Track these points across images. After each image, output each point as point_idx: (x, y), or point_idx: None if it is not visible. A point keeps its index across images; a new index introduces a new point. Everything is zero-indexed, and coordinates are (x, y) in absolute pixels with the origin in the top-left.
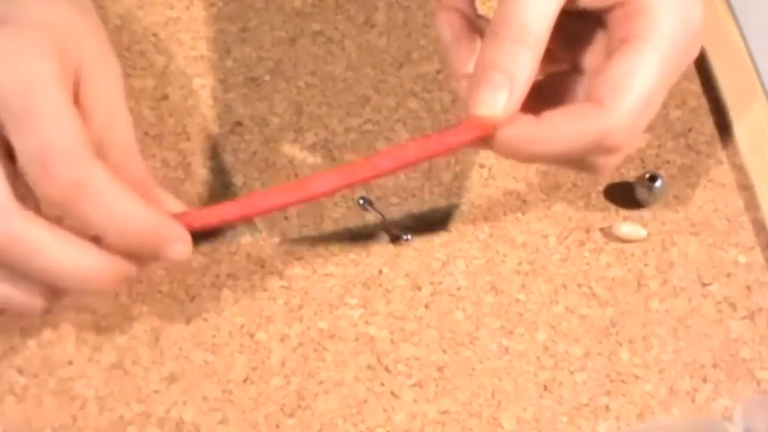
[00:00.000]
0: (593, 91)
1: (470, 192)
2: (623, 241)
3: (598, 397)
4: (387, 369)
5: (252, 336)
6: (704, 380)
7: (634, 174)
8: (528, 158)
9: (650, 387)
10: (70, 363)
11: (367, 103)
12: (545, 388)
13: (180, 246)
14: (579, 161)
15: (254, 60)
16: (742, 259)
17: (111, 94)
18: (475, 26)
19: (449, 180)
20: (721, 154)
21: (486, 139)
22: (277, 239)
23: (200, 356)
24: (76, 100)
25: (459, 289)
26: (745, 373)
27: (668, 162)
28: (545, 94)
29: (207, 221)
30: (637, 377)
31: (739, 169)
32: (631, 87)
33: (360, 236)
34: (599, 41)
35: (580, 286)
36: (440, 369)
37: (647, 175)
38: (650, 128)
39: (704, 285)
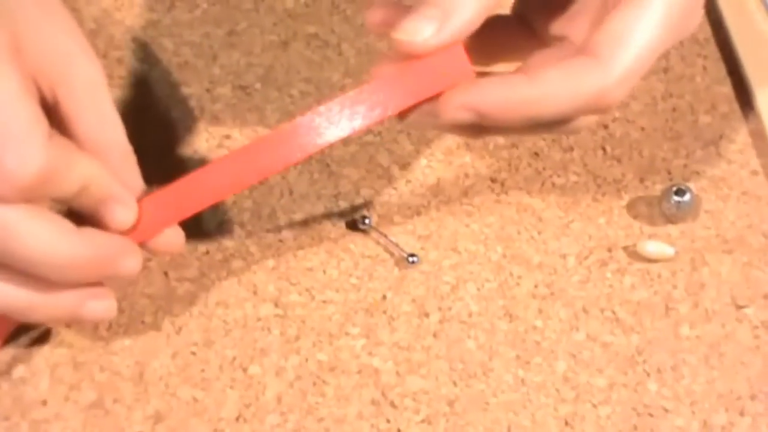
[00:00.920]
0: (589, 45)
1: (481, 209)
2: (649, 260)
3: None
4: (393, 404)
5: (245, 370)
6: (741, 413)
7: (660, 187)
8: (519, 122)
9: (681, 421)
10: (44, 403)
11: None
12: (566, 423)
13: (130, 261)
14: (561, 124)
15: (243, 66)
16: None
17: (96, 95)
18: None
19: (458, 196)
20: (756, 164)
21: (475, 110)
22: (270, 263)
23: (188, 393)
24: (52, 104)
25: (470, 315)
26: None
27: (698, 173)
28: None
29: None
30: (666, 410)
31: None
32: (633, 39)
33: (361, 259)
34: (587, 10)
35: (602, 310)
36: (451, 403)
37: (674, 188)
38: (677, 136)
39: (739, 308)
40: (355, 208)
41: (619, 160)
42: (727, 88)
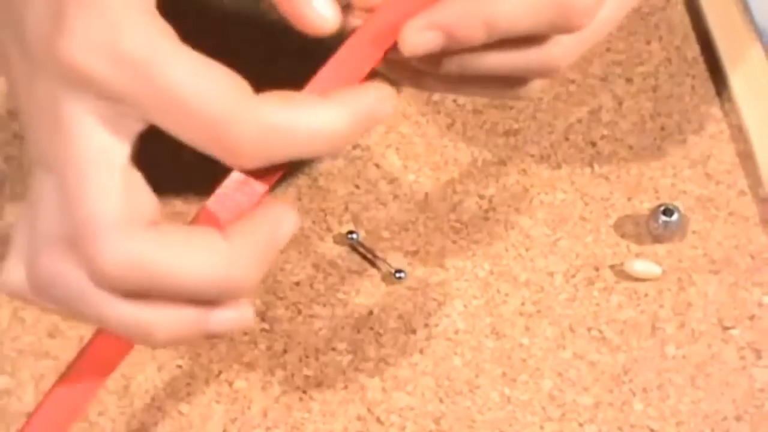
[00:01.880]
0: None
1: (468, 225)
2: (636, 279)
3: None
4: (379, 420)
5: (231, 384)
6: None
7: (648, 206)
8: (483, 35)
9: None
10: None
11: None
12: None
13: (288, 225)
14: (538, 49)
15: (245, 45)
16: (766, 300)
17: None
18: None
19: (446, 212)
20: (743, 184)
21: (438, 26)
22: None
23: (174, 407)
24: None
25: (457, 332)
26: None
27: (685, 192)
28: None
29: None
30: (652, 430)
31: (763, 202)
32: None
33: (348, 274)
34: None
35: (589, 329)
36: (437, 420)
37: (662, 208)
38: (665, 155)
39: (725, 329)
40: (342, 223)
41: (606, 179)
42: (715, 109)
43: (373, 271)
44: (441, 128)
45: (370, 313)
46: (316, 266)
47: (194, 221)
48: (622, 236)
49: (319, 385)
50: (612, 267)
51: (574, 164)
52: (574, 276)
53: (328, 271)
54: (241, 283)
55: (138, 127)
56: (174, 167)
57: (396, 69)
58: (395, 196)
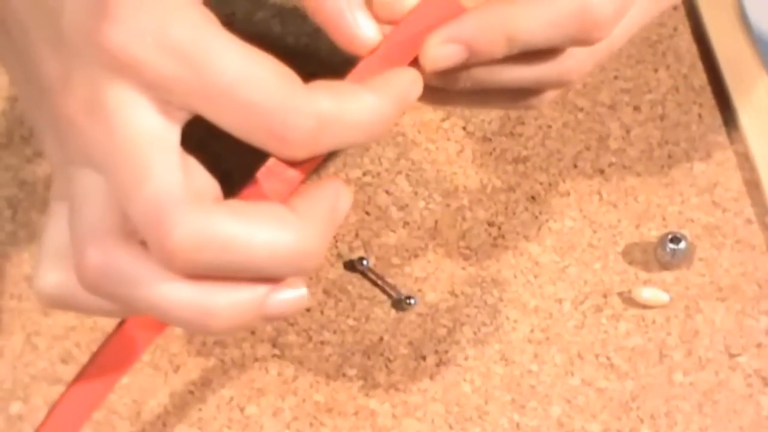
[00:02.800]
0: None
1: (478, 252)
2: (644, 307)
3: None
4: None
5: (242, 410)
6: None
7: (656, 234)
8: (503, 48)
9: None
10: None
11: (366, 153)
12: None
13: (345, 200)
14: (554, 62)
15: None
16: None
17: None
18: None
19: (455, 239)
20: (750, 212)
21: (458, 40)
22: None
23: None
24: None
25: (466, 358)
26: None
27: (692, 220)
28: None
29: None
30: None
31: None
32: None
33: (359, 300)
34: None
35: (597, 356)
36: None
37: (670, 236)
38: (672, 183)
39: (732, 356)
40: (352, 249)
41: (615, 206)
42: (722, 137)
43: (383, 297)
44: (450, 155)
45: (380, 339)
46: (326, 292)
47: (242, 195)
48: (630, 263)
49: (329, 410)
50: (620, 294)
51: (583, 191)
52: (582, 303)
53: (338, 297)
54: (311, 258)
55: (184, 116)
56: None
57: None
58: (405, 223)
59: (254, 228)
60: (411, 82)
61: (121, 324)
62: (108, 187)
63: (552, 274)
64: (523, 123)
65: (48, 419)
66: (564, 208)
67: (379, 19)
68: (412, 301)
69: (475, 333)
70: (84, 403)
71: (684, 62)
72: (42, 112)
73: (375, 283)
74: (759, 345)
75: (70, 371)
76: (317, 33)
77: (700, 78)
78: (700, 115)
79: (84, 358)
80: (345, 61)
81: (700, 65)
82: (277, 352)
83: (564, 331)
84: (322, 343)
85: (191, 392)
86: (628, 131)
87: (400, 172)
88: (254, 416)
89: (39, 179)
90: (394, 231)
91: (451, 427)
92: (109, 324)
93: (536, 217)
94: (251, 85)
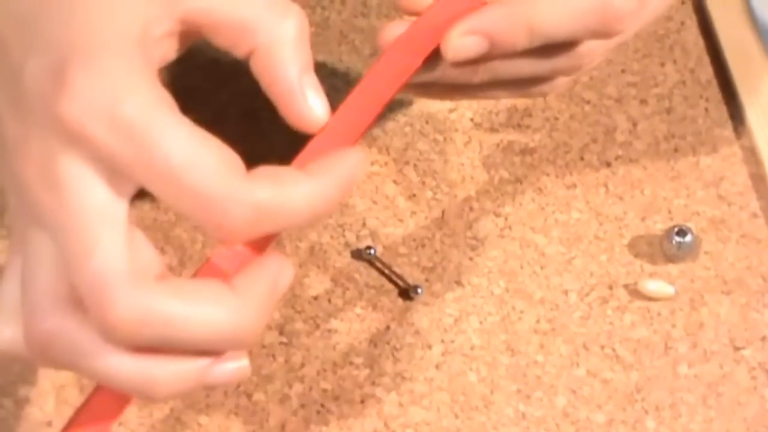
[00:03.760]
0: None
1: (485, 243)
2: (649, 299)
3: None
4: None
5: (249, 396)
6: None
7: (662, 227)
8: (525, 40)
9: None
10: (50, 424)
11: (374, 143)
12: None
13: (286, 277)
14: (572, 53)
15: (251, 93)
16: None
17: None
18: None
19: (462, 229)
20: (756, 206)
21: (480, 31)
22: None
23: (193, 418)
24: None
25: (472, 348)
26: None
27: (698, 214)
28: None
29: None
30: None
31: None
32: None
33: (366, 289)
34: None
35: (602, 347)
36: None
37: (676, 229)
38: (679, 176)
39: (737, 349)
40: (360, 238)
41: (621, 198)
42: (728, 131)
43: (390, 286)
44: (458, 146)
45: (387, 328)
46: (334, 281)
47: (199, 273)
48: (636, 256)
49: (336, 398)
50: (626, 286)
51: (589, 184)
52: (588, 294)
53: (346, 286)
54: (248, 334)
55: (133, 190)
56: None
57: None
58: (413, 213)
59: (192, 306)
60: (355, 165)
61: None
62: (57, 253)
63: (558, 266)
64: (530, 115)
65: None
66: (570, 200)
67: (402, 11)
68: (419, 290)
69: (481, 323)
70: None
71: (691, 56)
72: (4, 166)
73: (382, 272)
74: (764, 338)
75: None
76: None
77: (707, 72)
78: (706, 109)
79: None
80: (352, 49)
81: (706, 59)
82: (284, 339)
83: (570, 322)
84: (329, 331)
85: None
86: (634, 124)
87: (407, 163)
88: (261, 403)
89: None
90: (401, 220)
91: (456, 416)
92: None
93: (543, 209)
94: (194, 172)
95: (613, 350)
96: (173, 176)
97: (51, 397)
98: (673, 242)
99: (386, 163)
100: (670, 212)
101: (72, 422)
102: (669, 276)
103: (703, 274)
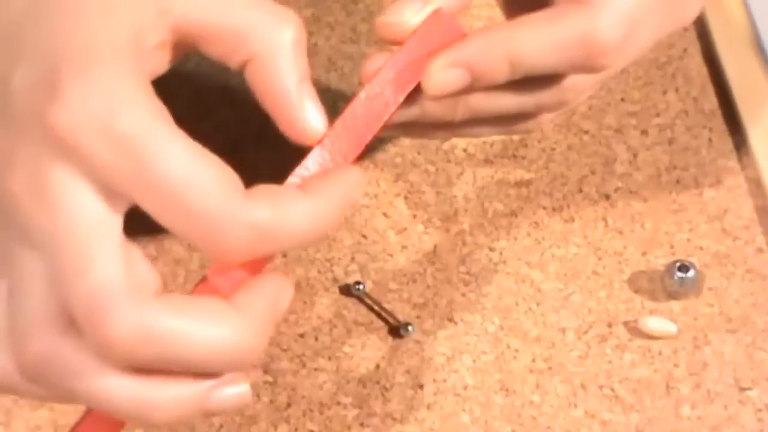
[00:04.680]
0: None
1: (478, 278)
2: (650, 337)
3: None
4: None
5: None
6: None
7: (663, 262)
8: (506, 72)
9: None
10: None
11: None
12: None
13: (287, 296)
14: (556, 88)
15: (236, 124)
16: None
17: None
18: None
19: (455, 264)
20: (762, 241)
21: (462, 63)
22: None
23: None
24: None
25: (465, 388)
26: None
27: (701, 248)
28: None
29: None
30: None
31: None
32: None
33: (354, 326)
34: None
35: (601, 387)
36: None
37: (678, 264)
38: (681, 209)
39: (742, 390)
40: (348, 273)
41: (620, 232)
42: (732, 162)
43: (379, 323)
44: (451, 177)
45: (377, 366)
46: (321, 317)
47: (195, 291)
48: (636, 292)
49: None
50: (625, 324)
51: (588, 217)
52: (586, 332)
53: (333, 323)
54: (250, 354)
55: (127, 204)
56: None
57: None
58: (403, 247)
59: (194, 324)
60: (355, 183)
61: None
62: (49, 271)
63: (555, 302)
64: (526, 145)
65: None
66: (568, 234)
67: (382, 40)
68: (410, 327)
69: (474, 361)
70: None
71: (694, 85)
72: None
73: (371, 309)
74: None
75: None
76: None
77: (711, 101)
78: (710, 140)
79: None
80: (340, 77)
81: (710, 88)
82: (269, 378)
83: (567, 361)
84: (316, 369)
85: None
86: (635, 155)
87: (398, 195)
88: None
89: None
90: (391, 255)
91: None
92: None
93: (539, 243)
94: (191, 190)
95: (613, 390)
96: (170, 194)
97: None
98: (675, 278)
99: (376, 195)
100: (672, 247)
101: None
102: (671, 313)
103: (706, 311)
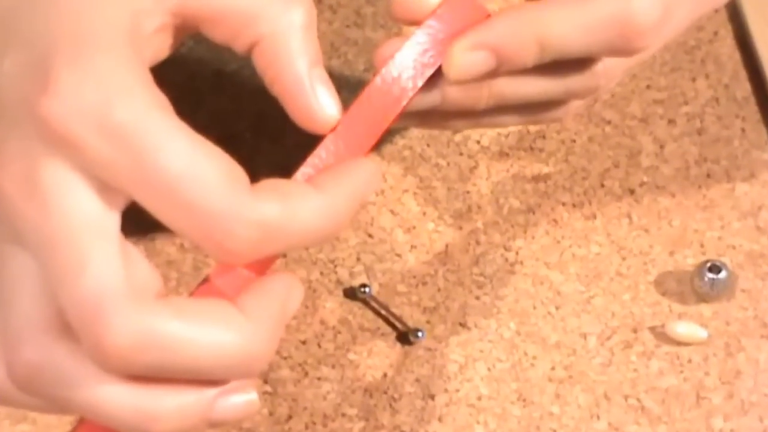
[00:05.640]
0: None
1: (493, 280)
2: (679, 343)
3: None
4: None
5: None
6: None
7: (692, 261)
8: (534, 56)
9: None
10: None
11: None
12: None
13: (296, 297)
14: (587, 72)
15: (232, 113)
16: None
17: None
18: None
19: (468, 265)
20: None
21: (487, 45)
22: None
23: None
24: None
25: (479, 398)
26: None
27: (733, 247)
28: None
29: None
30: None
31: None
32: None
33: (360, 332)
34: None
35: (626, 397)
36: None
37: (708, 264)
38: (711, 205)
39: None
40: (353, 275)
41: (646, 230)
42: (767, 154)
43: (387, 329)
44: (463, 172)
45: (384, 375)
46: (324, 323)
47: (196, 293)
48: (664, 295)
49: None
50: (652, 329)
51: (611, 214)
52: (609, 338)
53: (337, 329)
54: (258, 360)
55: (125, 201)
56: None
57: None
58: (412, 247)
59: (198, 329)
60: (368, 178)
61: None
62: (42, 273)
63: (576, 306)
64: (543, 137)
65: None
66: (589, 233)
67: (398, 21)
68: (420, 333)
69: (489, 370)
70: None
71: (725, 70)
72: None
73: (378, 314)
74: None
75: None
76: None
77: (743, 88)
78: (743, 130)
79: None
80: (344, 64)
81: (743, 74)
82: (268, 388)
83: (589, 369)
84: (319, 379)
85: None
86: (661, 147)
87: (406, 191)
88: None
89: None
90: (399, 255)
91: None
92: None
93: (558, 242)
94: (194, 185)
95: (638, 401)
96: (170, 190)
97: None
98: (706, 279)
99: (383, 191)
100: (702, 246)
101: None
102: (701, 317)
103: (739, 315)
